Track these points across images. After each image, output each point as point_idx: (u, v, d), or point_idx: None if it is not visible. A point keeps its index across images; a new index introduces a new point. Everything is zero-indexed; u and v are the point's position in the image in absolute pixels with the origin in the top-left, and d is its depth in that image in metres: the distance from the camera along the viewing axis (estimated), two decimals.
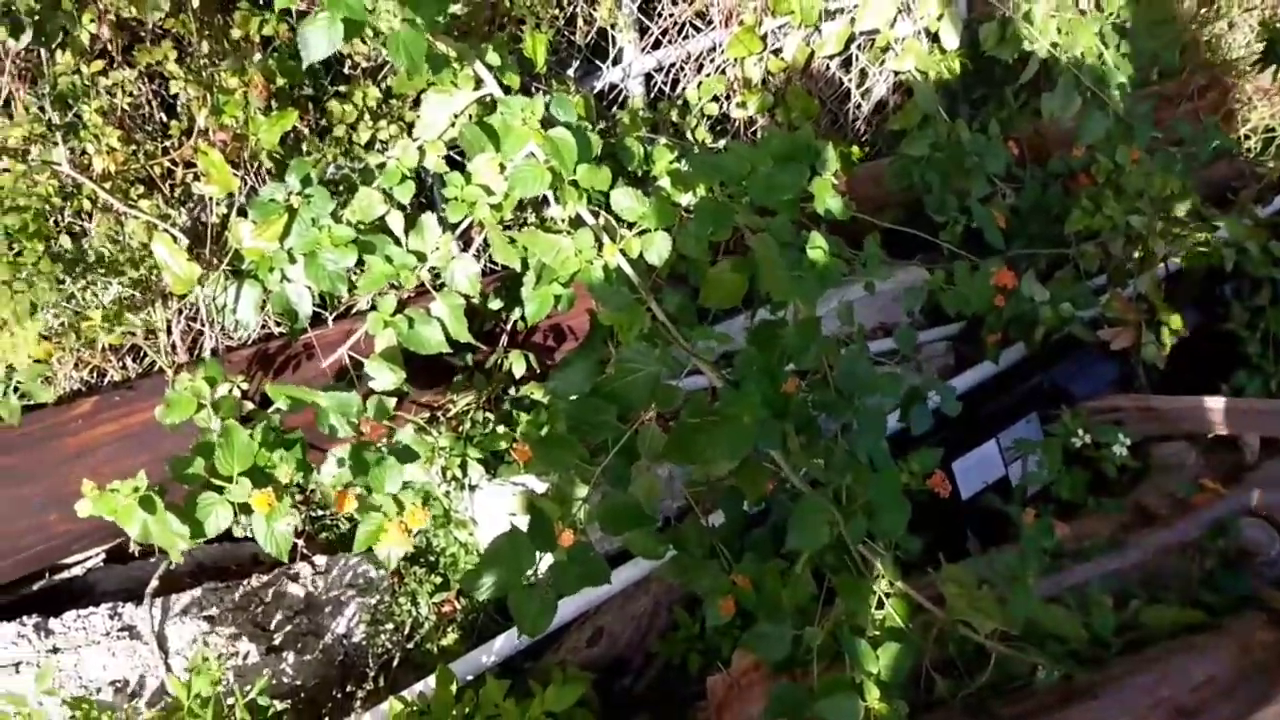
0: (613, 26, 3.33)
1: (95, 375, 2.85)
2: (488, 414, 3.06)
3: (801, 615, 2.29)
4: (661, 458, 2.16)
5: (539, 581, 2.09)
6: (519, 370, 2.96)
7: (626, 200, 2.32)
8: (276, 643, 2.73)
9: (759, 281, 2.44)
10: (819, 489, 2.21)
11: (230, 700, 2.42)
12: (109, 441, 2.66)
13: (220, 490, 2.11)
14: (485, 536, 3.00)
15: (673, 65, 3.52)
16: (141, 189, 2.52)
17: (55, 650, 2.55)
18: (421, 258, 2.49)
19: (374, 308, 2.52)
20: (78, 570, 2.78)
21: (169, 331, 2.73)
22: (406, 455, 2.40)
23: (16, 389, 2.52)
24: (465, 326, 2.50)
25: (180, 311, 2.73)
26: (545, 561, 2.10)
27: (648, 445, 2.20)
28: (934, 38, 3.69)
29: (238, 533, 2.26)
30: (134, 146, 2.50)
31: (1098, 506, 3.12)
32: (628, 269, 2.34)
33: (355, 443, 2.36)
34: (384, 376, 2.43)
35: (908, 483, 2.30)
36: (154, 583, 2.68)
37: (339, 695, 2.78)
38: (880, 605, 2.25)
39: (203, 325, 2.79)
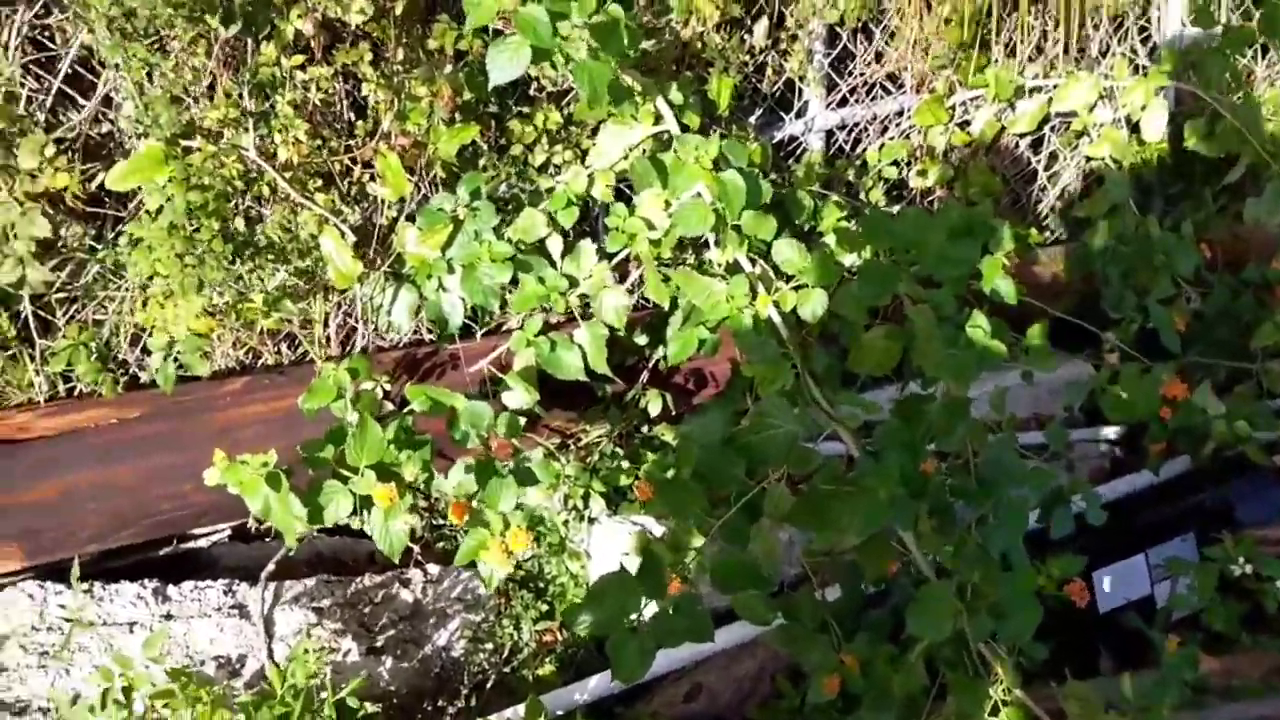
0: (801, 79, 3.29)
1: (251, 356, 2.94)
2: (617, 449, 3.04)
3: (909, 707, 2.18)
4: (787, 520, 2.09)
5: (641, 627, 2.04)
6: (654, 409, 2.92)
7: (789, 252, 2.27)
8: (378, 645, 2.74)
9: (913, 353, 2.35)
10: (945, 578, 2.10)
11: (324, 694, 2.44)
12: (253, 422, 2.73)
13: (345, 480, 2.13)
14: (597, 571, 2.96)
15: (856, 125, 3.45)
16: (319, 183, 2.58)
17: (169, 617, 2.61)
18: (573, 283, 2.48)
19: (521, 326, 2.52)
20: (204, 543, 2.85)
21: (325, 324, 2.79)
22: (527, 477, 2.39)
23: (175, 359, 2.61)
24: (604, 357, 2.48)
25: (339, 305, 2.79)
26: (650, 608, 2.05)
27: (774, 505, 2.13)
28: (1134, 127, 3.53)
29: (356, 526, 2.28)
30: (319, 141, 2.57)
31: (1252, 644, 2.89)
32: (778, 322, 2.29)
33: (481, 456, 2.35)
34: (518, 395, 2.43)
35: (1042, 586, 2.17)
36: (271, 566, 2.73)
37: (430, 708, 2.77)
38: (995, 711, 2.12)
39: (357, 322, 2.85)
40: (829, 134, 3.47)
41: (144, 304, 2.46)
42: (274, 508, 2.12)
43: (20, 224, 2.43)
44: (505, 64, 2.23)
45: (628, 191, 2.69)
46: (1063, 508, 2.50)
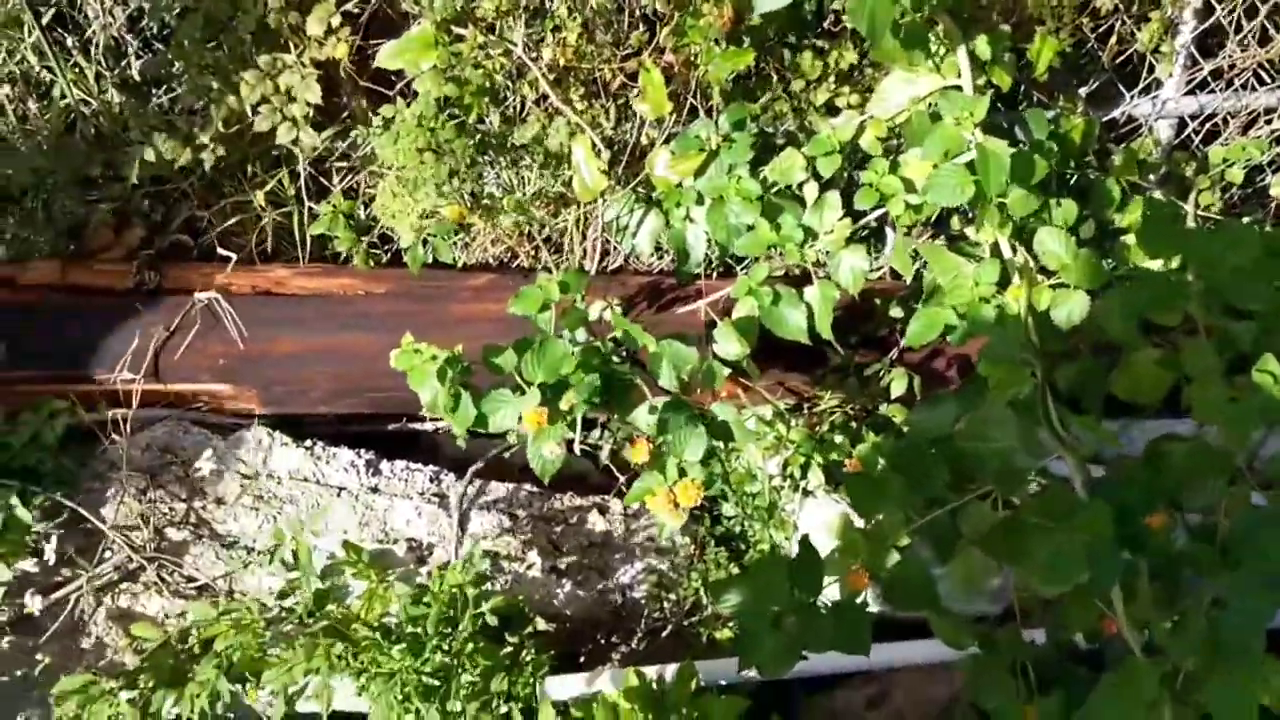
0: (1154, 52, 2.86)
1: (508, 255, 2.95)
2: (851, 422, 2.81)
3: None
4: (978, 544, 1.82)
5: (789, 621, 1.85)
6: (898, 389, 2.67)
7: (1052, 243, 1.94)
8: (562, 566, 2.70)
9: (1186, 388, 1.98)
10: (1156, 658, 1.76)
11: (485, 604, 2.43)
12: (489, 319, 2.74)
13: (520, 392, 2.06)
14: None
15: (1215, 115, 2.96)
16: (581, 91, 2.50)
17: (375, 490, 2.69)
18: (812, 235, 2.27)
19: (746, 271, 2.35)
20: (429, 426, 2.91)
21: (583, 235, 2.74)
22: (718, 430, 2.23)
23: (426, 242, 2.64)
24: (829, 322, 2.26)
25: (594, 218, 2.73)
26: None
27: (971, 524, 1.86)
28: None
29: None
30: (590, 47, 2.49)
31: None
32: (1029, 321, 1.98)
33: (674, 398, 2.22)
34: (729, 345, 2.26)
35: (1268, 704, 1.77)
36: (479, 464, 2.74)
37: (601, 641, 2.71)
38: None
39: (611, 242, 2.78)
40: (1180, 122, 3.00)
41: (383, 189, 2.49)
42: (440, 402, 2.08)
43: (299, 87, 2.51)
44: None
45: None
46: None
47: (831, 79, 2.62)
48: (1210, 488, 1.82)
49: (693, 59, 2.49)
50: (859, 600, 1.90)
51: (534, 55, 2.44)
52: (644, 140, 2.63)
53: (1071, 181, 2.88)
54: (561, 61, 2.46)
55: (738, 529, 2.83)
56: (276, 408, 2.72)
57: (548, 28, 2.45)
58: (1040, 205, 2.06)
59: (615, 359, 2.26)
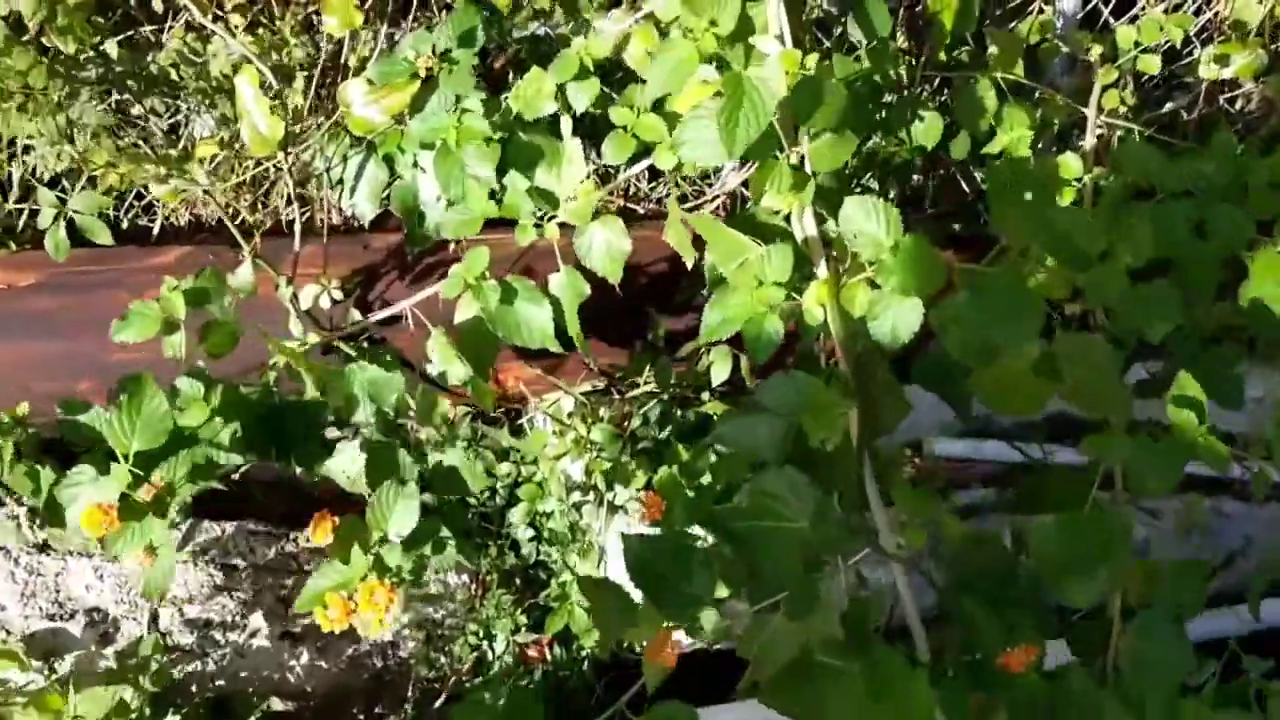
0: None
1: (230, 214, 2.25)
2: (674, 412, 2.19)
3: None
4: (746, 693, 1.22)
5: None
6: (719, 373, 2.03)
7: (865, 221, 1.26)
8: (297, 630, 2.08)
9: (1071, 402, 1.37)
10: None
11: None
12: None
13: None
14: (617, 574, 2.17)
15: None
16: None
17: (44, 549, 2.04)
18: (551, 202, 1.59)
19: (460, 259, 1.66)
20: None
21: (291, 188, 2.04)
22: (446, 481, 1.60)
23: (70, 219, 1.94)
24: (577, 320, 1.61)
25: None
26: None
27: (746, 651, 1.26)
28: None
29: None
30: None
31: None
32: (836, 333, 1.33)
33: (377, 445, 1.58)
34: (448, 365, 1.60)
35: None
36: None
37: (360, 717, 2.12)
38: None
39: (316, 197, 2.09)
40: None
41: None
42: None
43: None
44: None
45: None
46: None
47: None
48: (1098, 579, 1.22)
49: None
50: None
51: None
52: (353, 61, 1.92)
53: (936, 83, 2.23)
54: None
55: (530, 556, 2.22)
56: None
57: None
58: (857, 150, 1.38)
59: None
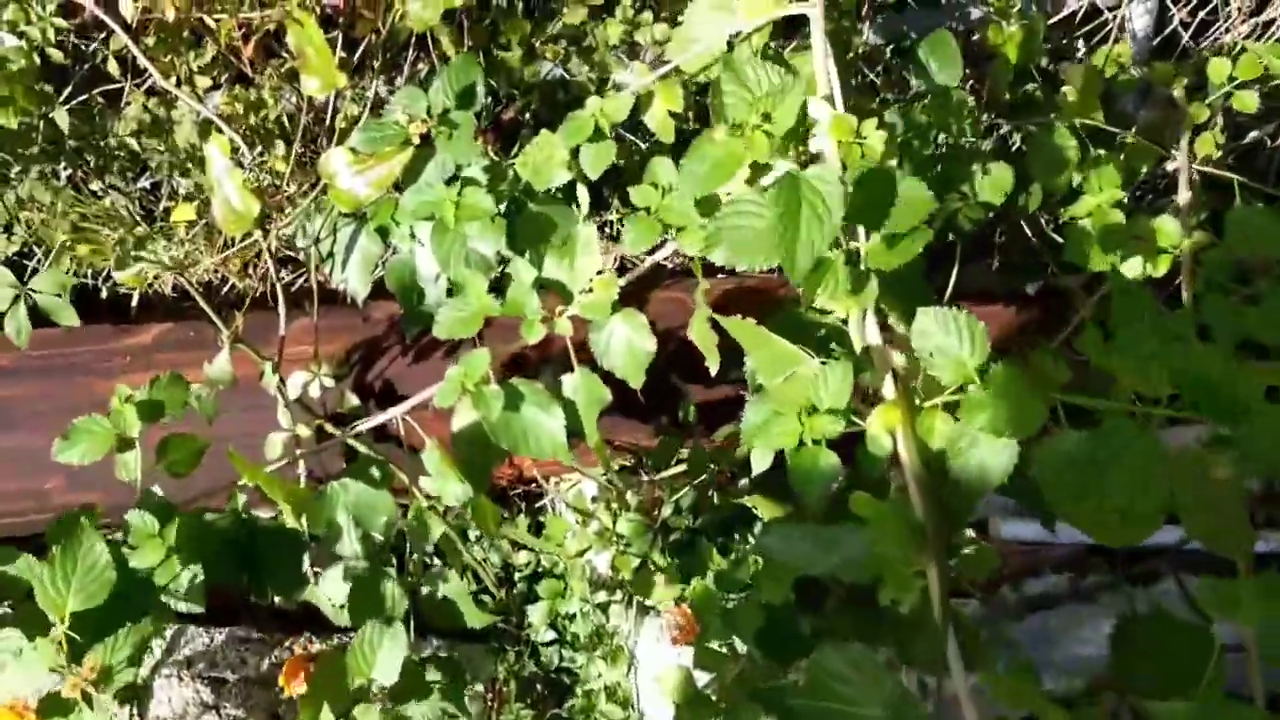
0: None
1: (218, 280, 2.05)
2: (712, 495, 1.96)
3: None
4: None
5: None
6: (760, 463, 1.79)
7: (941, 335, 1.01)
8: None
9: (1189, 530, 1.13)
10: None
11: None
12: None
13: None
14: (647, 685, 1.94)
15: None
16: (208, 58, 1.56)
17: None
18: (563, 295, 1.36)
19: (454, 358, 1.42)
20: None
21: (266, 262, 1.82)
22: (444, 612, 1.38)
23: (30, 301, 1.74)
24: (595, 426, 1.38)
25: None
26: None
27: None
28: None
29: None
30: None
31: None
32: (909, 471, 1.09)
33: (360, 574, 1.36)
34: (446, 485, 1.37)
35: None
36: None
37: None
38: None
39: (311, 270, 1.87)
40: (1162, 8, 2.08)
41: None
42: None
43: None
44: None
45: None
46: None
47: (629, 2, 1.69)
48: None
49: None
50: None
51: (115, 8, 1.48)
52: (341, 122, 1.70)
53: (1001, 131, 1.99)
54: (170, 13, 1.51)
55: (550, 661, 1.99)
56: None
57: None
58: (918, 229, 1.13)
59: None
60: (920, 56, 1.57)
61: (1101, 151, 1.65)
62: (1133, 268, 1.55)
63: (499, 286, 1.43)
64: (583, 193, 1.47)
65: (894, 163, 1.22)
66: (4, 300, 1.75)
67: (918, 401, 1.08)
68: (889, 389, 1.13)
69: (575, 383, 1.37)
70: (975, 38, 2.10)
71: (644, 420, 2.00)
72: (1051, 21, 2.05)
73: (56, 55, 1.45)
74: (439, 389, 1.35)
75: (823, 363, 1.15)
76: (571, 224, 1.46)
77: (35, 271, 1.76)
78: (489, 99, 1.92)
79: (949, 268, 1.87)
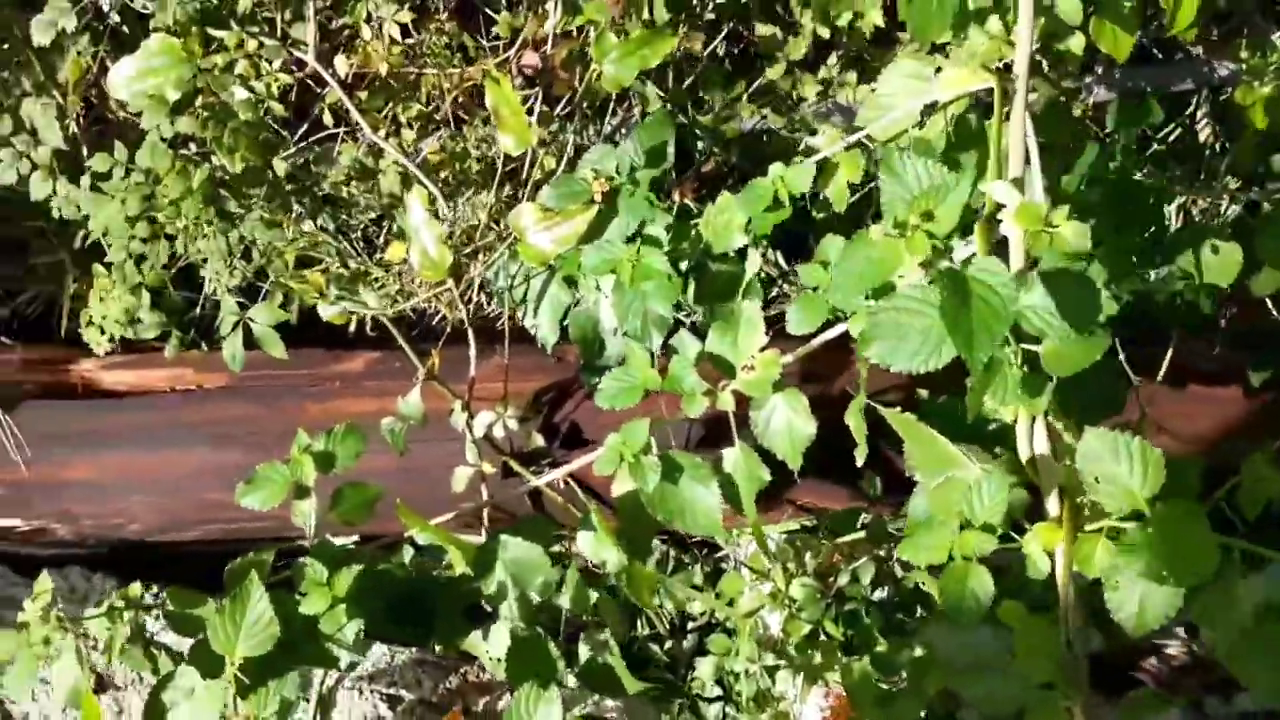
0: None
1: (429, 307, 2.15)
2: (894, 567, 1.89)
3: None
4: None
5: None
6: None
7: (1110, 460, 0.92)
8: None
9: None
10: None
11: None
12: (368, 424, 1.93)
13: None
14: None
15: None
16: (414, 112, 1.63)
17: None
18: (725, 369, 1.34)
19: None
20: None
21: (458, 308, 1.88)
22: (601, 678, 1.39)
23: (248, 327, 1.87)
24: (753, 506, 1.35)
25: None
26: None
27: None
28: None
29: None
30: (421, 41, 1.60)
31: None
32: (1065, 596, 1.01)
33: (520, 636, 1.38)
34: (602, 556, 1.37)
35: None
36: None
37: None
38: None
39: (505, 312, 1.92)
40: None
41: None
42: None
43: (40, 121, 1.76)
44: None
45: None
46: None
47: (831, 60, 1.65)
48: None
49: (582, 52, 1.57)
50: None
51: (331, 63, 1.57)
52: (538, 172, 1.74)
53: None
54: (384, 68, 1.59)
55: (719, 717, 1.97)
56: (82, 548, 2.04)
57: (357, 16, 1.57)
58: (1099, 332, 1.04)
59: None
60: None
61: None
62: None
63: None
64: (754, 259, 1.45)
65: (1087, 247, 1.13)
66: (227, 326, 1.89)
67: (1080, 524, 1.00)
68: (1053, 505, 1.05)
69: (735, 459, 1.35)
70: (1222, 97, 1.93)
71: (832, 480, 1.95)
72: None
73: (278, 109, 1.54)
74: (599, 456, 1.36)
75: (986, 469, 1.08)
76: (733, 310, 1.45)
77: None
78: (698, 147, 1.92)
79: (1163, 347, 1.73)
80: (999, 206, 1.16)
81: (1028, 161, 1.23)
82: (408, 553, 1.44)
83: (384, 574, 1.38)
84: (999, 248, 1.16)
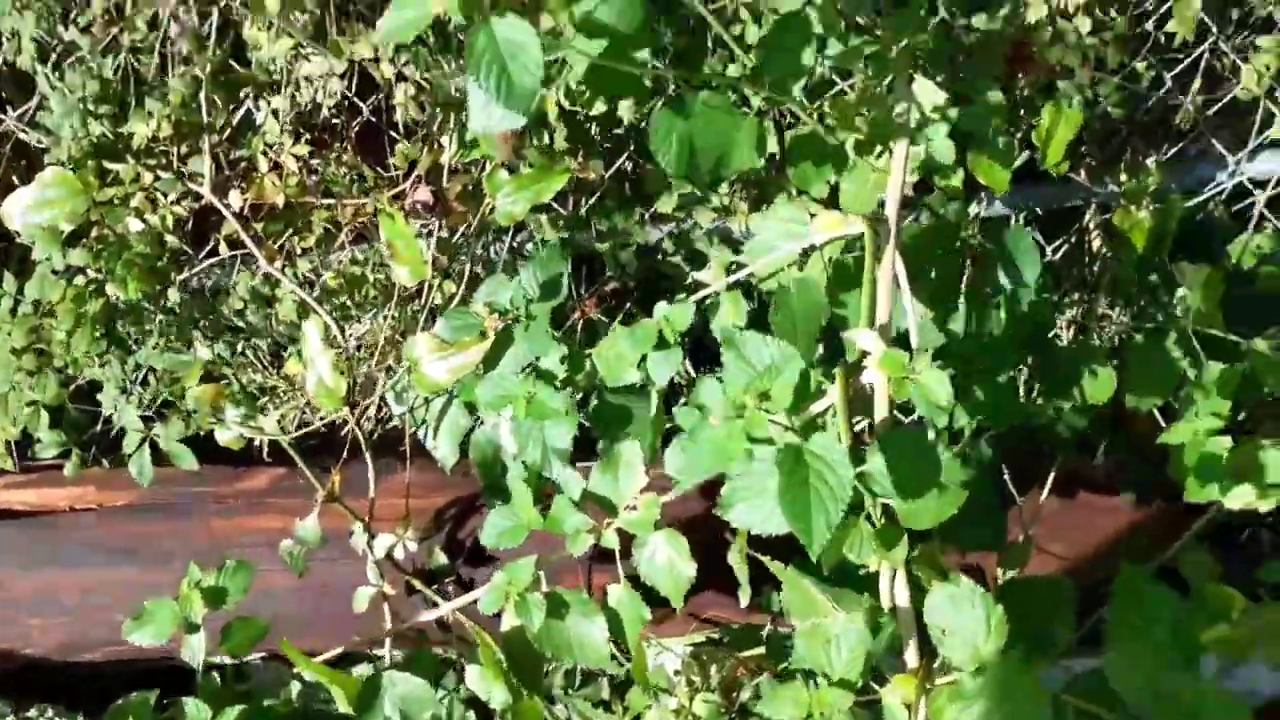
0: (1269, 96, 1.79)
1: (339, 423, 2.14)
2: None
3: None
4: None
5: None
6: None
7: (952, 614, 0.94)
8: None
9: None
10: None
11: None
12: (269, 542, 1.91)
13: None
14: None
15: None
16: (311, 240, 1.65)
17: None
18: (608, 508, 1.36)
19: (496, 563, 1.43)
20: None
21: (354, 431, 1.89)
22: None
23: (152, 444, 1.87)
24: (639, 645, 1.36)
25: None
26: None
27: None
28: None
29: None
30: (319, 173, 1.63)
31: None
32: None
33: None
34: (489, 692, 1.38)
35: None
36: None
37: None
38: None
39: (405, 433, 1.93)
40: None
41: None
42: None
43: None
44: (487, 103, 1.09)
45: None
46: None
47: (725, 185, 1.70)
48: None
49: (471, 184, 1.61)
50: None
51: (226, 196, 1.59)
52: (438, 295, 1.76)
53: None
54: (280, 200, 1.61)
55: None
56: None
57: (254, 149, 1.60)
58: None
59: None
60: (1007, 249, 1.52)
61: (1218, 366, 1.52)
62: (1241, 497, 1.43)
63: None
64: (652, 397, 1.48)
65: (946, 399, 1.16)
66: (132, 442, 1.88)
67: (932, 680, 1.02)
68: (911, 657, 1.07)
69: (619, 596, 1.36)
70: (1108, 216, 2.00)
71: (731, 593, 1.96)
72: (1192, 203, 1.93)
73: (173, 241, 1.56)
74: (486, 589, 1.37)
75: (851, 618, 1.10)
76: (647, 416, 1.47)
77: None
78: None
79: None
80: (864, 354, 1.20)
81: (902, 301, 1.27)
82: (295, 688, 1.42)
83: (268, 712, 1.37)
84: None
